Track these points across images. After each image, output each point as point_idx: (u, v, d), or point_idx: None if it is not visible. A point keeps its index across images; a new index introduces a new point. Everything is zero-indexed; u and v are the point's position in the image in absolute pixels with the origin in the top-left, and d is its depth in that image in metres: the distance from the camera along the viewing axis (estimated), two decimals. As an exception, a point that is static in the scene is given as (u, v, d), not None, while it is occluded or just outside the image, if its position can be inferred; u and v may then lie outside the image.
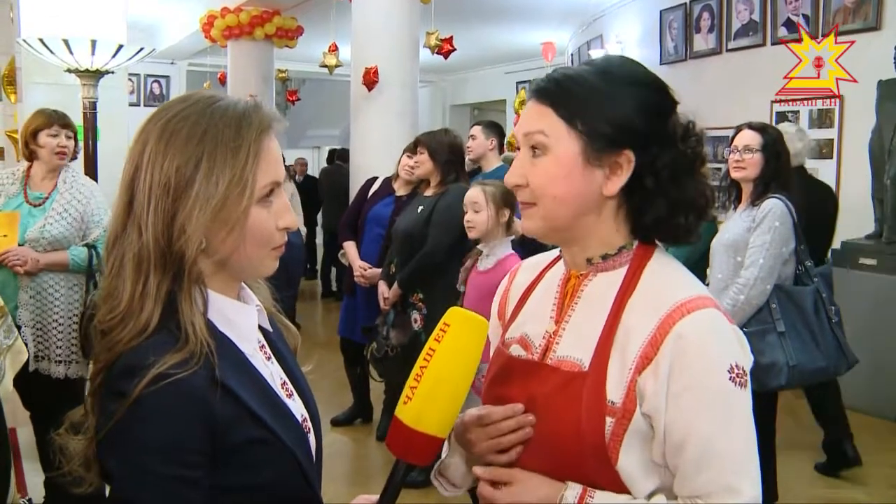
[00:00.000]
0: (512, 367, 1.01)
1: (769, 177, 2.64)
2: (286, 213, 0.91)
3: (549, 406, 0.94)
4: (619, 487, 0.90)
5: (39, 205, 2.74)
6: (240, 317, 0.92)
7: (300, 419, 0.94)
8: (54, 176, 2.78)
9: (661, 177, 0.94)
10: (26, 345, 2.65)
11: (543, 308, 1.03)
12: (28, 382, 2.72)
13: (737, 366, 0.88)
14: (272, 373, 0.94)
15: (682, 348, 0.87)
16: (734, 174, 2.71)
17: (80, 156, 3.21)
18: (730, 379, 0.87)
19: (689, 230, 0.97)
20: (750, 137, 2.68)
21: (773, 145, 2.65)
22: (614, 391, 0.90)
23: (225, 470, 0.82)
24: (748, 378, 0.90)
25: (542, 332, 1.00)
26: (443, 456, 1.10)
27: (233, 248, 0.87)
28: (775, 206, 2.58)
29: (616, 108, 0.93)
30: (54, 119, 2.74)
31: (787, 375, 2.51)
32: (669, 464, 0.90)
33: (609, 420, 0.89)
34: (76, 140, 2.85)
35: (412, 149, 3.47)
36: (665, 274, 0.96)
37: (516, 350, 1.03)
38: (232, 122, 0.86)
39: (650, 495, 0.91)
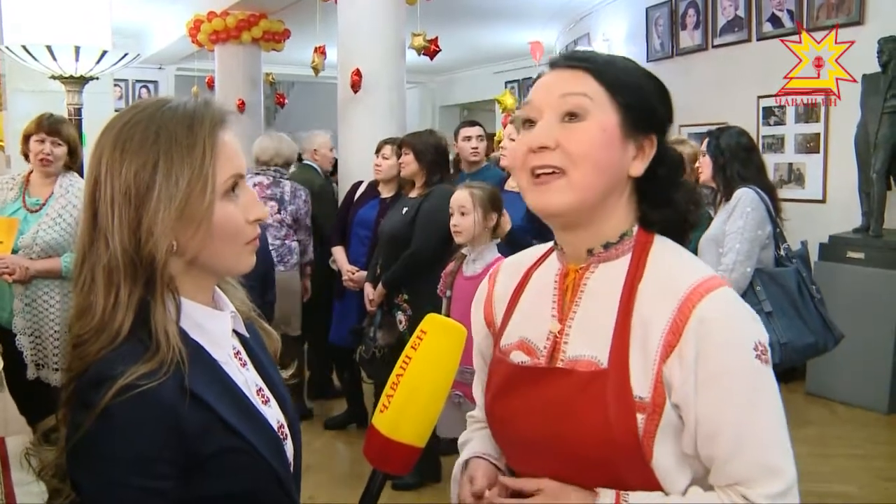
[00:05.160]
0: (518, 376, 0.95)
1: (719, 171, 2.78)
2: (254, 204, 0.90)
3: (570, 411, 0.88)
4: (653, 485, 0.87)
5: (36, 210, 2.71)
6: (212, 323, 0.91)
7: (276, 426, 0.93)
8: (52, 182, 2.74)
9: (671, 167, 0.95)
10: (22, 353, 2.64)
11: (541, 308, 0.97)
12: (30, 390, 2.71)
13: (760, 343, 0.86)
14: (247, 380, 0.93)
15: (706, 332, 0.84)
16: (700, 178, 2.93)
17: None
18: (756, 357, 0.85)
19: (695, 222, 0.98)
20: (704, 143, 2.90)
21: (715, 145, 2.82)
22: (640, 386, 0.86)
23: (198, 479, 0.81)
24: (769, 354, 0.88)
25: (546, 334, 0.95)
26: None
27: (201, 245, 0.86)
28: (745, 195, 2.70)
29: (646, 91, 0.93)
30: (43, 126, 2.70)
31: (779, 353, 2.57)
32: (701, 454, 0.86)
33: (640, 417, 0.85)
34: (73, 148, 2.77)
35: (377, 149, 3.61)
36: (671, 257, 0.93)
37: (518, 356, 0.97)
38: (184, 121, 0.86)
39: (685, 490, 0.88)
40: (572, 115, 0.90)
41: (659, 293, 0.88)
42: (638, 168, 0.93)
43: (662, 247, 0.94)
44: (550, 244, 1.04)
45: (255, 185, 3.85)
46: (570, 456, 0.89)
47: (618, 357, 0.87)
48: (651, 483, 0.87)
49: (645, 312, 0.88)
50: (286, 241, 3.83)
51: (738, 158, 2.76)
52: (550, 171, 0.90)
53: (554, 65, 0.96)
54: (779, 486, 0.85)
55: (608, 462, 0.87)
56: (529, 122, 0.94)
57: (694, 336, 0.84)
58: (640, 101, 0.92)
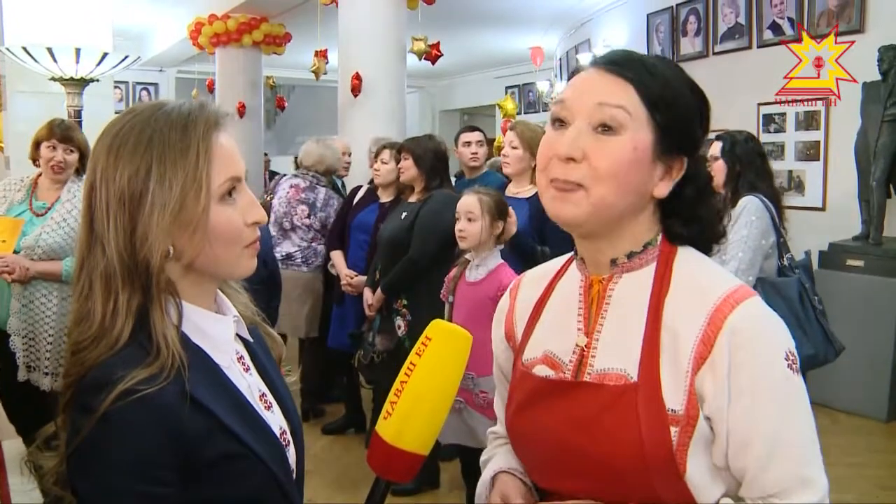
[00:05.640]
0: (544, 390, 0.93)
1: (733, 179, 2.75)
2: (253, 207, 0.89)
3: (600, 426, 0.87)
4: (686, 498, 0.85)
5: (42, 214, 2.69)
6: (214, 328, 0.90)
7: (278, 432, 0.92)
8: (61, 187, 2.72)
9: (700, 187, 0.93)
10: (14, 355, 2.62)
11: (566, 321, 0.95)
12: (18, 393, 2.69)
13: (791, 352, 0.85)
14: (250, 385, 0.92)
15: (738, 343, 0.83)
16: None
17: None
18: (787, 367, 0.84)
19: (720, 236, 0.96)
20: (714, 147, 2.84)
21: (730, 150, 2.78)
22: (673, 398, 0.84)
23: (199, 485, 0.81)
24: (799, 362, 0.87)
25: (572, 347, 0.93)
26: None
27: (198, 249, 0.85)
28: (749, 203, 2.68)
29: (686, 111, 0.90)
30: (55, 133, 2.68)
31: None
32: (732, 466, 0.85)
33: (673, 430, 0.84)
34: (84, 154, 2.73)
35: (376, 154, 3.65)
36: (696, 267, 0.92)
37: (542, 371, 0.95)
38: (177, 124, 0.85)
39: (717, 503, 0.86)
40: (605, 127, 0.86)
41: (687, 303, 0.87)
42: (662, 190, 0.90)
43: (687, 256, 0.93)
44: (569, 255, 1.02)
45: (291, 186, 3.99)
46: (599, 470, 0.87)
47: (648, 370, 0.86)
48: (684, 497, 0.85)
49: (673, 323, 0.86)
50: (312, 244, 3.95)
51: (754, 167, 2.73)
52: (573, 182, 0.87)
53: (596, 65, 0.91)
54: (812, 497, 0.84)
55: (640, 476, 0.85)
56: (559, 122, 0.90)
57: (727, 347, 0.83)
58: (680, 121, 0.89)
